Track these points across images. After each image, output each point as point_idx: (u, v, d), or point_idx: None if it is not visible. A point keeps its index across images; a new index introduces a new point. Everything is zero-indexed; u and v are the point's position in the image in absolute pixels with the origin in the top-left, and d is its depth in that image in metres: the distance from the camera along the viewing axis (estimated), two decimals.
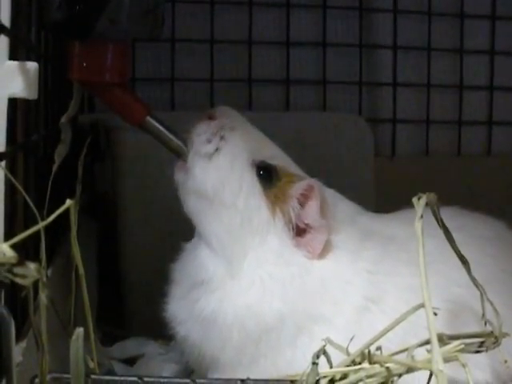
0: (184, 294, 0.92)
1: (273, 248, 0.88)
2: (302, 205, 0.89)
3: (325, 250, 0.88)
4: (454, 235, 0.93)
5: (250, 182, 0.89)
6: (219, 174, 0.89)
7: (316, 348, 0.71)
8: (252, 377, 0.82)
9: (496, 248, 0.95)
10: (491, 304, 0.78)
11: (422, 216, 0.70)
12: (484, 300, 0.78)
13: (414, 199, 0.72)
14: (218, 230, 0.89)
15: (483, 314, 0.78)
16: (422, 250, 0.68)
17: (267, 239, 0.88)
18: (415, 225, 0.69)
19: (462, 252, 0.91)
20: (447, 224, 0.95)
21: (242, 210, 0.88)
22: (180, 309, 0.92)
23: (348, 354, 0.71)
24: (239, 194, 0.88)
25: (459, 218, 0.97)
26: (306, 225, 0.88)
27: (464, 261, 0.79)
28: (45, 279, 0.52)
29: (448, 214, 0.98)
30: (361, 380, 0.66)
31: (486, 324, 0.77)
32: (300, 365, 0.75)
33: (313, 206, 0.88)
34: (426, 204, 0.74)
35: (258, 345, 0.87)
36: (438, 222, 0.77)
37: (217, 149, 0.90)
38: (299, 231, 0.89)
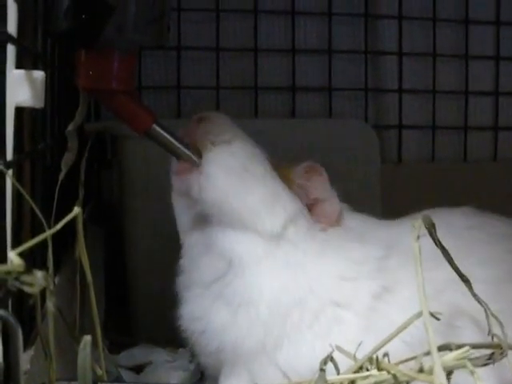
0: (200, 294, 0.93)
1: (302, 225, 0.91)
2: (307, 181, 0.92)
3: (337, 221, 0.92)
4: (474, 233, 0.94)
5: (267, 163, 0.93)
6: (246, 152, 0.91)
7: (335, 336, 0.71)
8: (276, 367, 0.86)
9: None
10: (497, 318, 0.78)
11: (418, 237, 0.70)
12: (488, 315, 0.78)
13: (413, 223, 0.72)
14: (252, 203, 0.90)
15: (489, 328, 0.78)
16: (419, 268, 0.69)
17: (296, 216, 0.91)
18: (412, 245, 0.70)
19: (482, 249, 0.92)
20: (466, 222, 0.96)
21: (270, 185, 0.91)
22: (196, 307, 0.93)
23: (355, 360, 0.71)
24: (265, 171, 0.92)
25: (476, 216, 0.98)
26: (315, 200, 0.92)
27: (465, 279, 0.79)
28: (52, 287, 0.52)
29: (464, 214, 0.99)
30: None
31: (492, 338, 0.77)
32: (321, 353, 0.76)
33: (320, 179, 0.92)
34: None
35: (285, 322, 0.88)
36: (434, 242, 0.76)
37: (232, 137, 0.92)
38: (309, 209, 0.92)
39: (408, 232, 0.72)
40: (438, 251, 0.77)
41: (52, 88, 0.96)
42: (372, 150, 1.42)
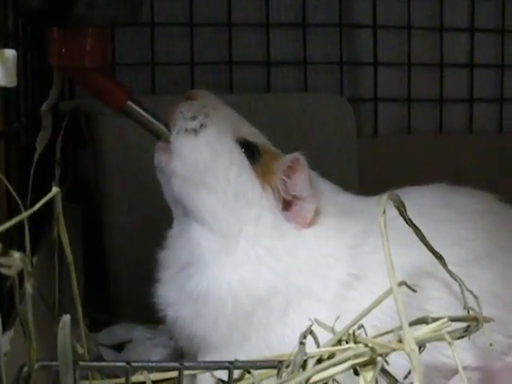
0: (173, 277, 0.93)
1: (267, 222, 0.89)
2: (288, 177, 0.90)
3: (310, 224, 0.90)
4: (444, 212, 0.94)
5: (238, 156, 0.91)
6: (209, 148, 0.89)
7: (304, 324, 0.72)
8: (245, 355, 0.84)
9: (488, 222, 0.95)
10: (471, 292, 0.80)
11: (384, 211, 0.71)
12: (463, 290, 0.79)
13: (378, 198, 0.73)
14: (212, 205, 0.89)
15: (464, 303, 0.79)
16: (386, 243, 0.70)
17: (261, 214, 0.89)
18: (378, 219, 0.70)
19: (453, 229, 0.92)
20: (436, 201, 0.96)
21: (234, 184, 0.89)
22: (170, 291, 0.93)
23: (334, 333, 0.71)
24: (231, 167, 0.89)
25: (448, 194, 0.98)
26: (293, 196, 0.90)
27: (439, 256, 0.80)
28: (30, 268, 0.52)
29: (437, 191, 0.99)
30: (348, 359, 0.66)
31: (468, 312, 0.78)
32: (290, 341, 0.76)
33: (301, 177, 0.90)
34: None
35: (251, 319, 0.88)
36: (405, 220, 0.77)
37: (202, 125, 0.90)
38: (286, 204, 0.91)
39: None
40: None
41: (25, 67, 0.95)
42: (348, 123, 1.42)
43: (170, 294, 0.93)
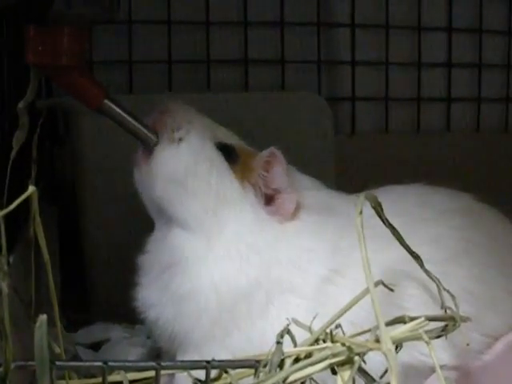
0: (154, 280, 0.94)
1: (248, 219, 0.91)
2: (267, 172, 0.92)
3: (292, 216, 0.92)
4: (421, 210, 0.95)
5: (218, 159, 0.93)
6: (192, 154, 0.91)
7: (284, 319, 0.72)
8: (226, 351, 0.86)
9: (464, 220, 0.96)
10: (448, 291, 0.80)
11: (361, 212, 0.71)
12: (441, 289, 0.80)
13: (356, 197, 0.73)
14: (194, 209, 0.90)
15: (442, 302, 0.79)
16: (363, 243, 0.70)
17: (242, 212, 0.91)
18: (355, 220, 0.71)
19: (430, 227, 0.93)
20: (413, 200, 0.97)
21: (215, 187, 0.91)
22: (151, 293, 0.94)
23: (311, 332, 0.72)
24: (211, 172, 0.91)
25: (425, 193, 0.99)
26: (274, 190, 0.92)
27: (415, 256, 0.80)
28: (6, 268, 0.52)
29: (414, 191, 0.99)
30: (325, 358, 0.66)
31: (445, 311, 0.79)
32: (271, 337, 0.77)
33: (279, 170, 0.91)
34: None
35: (233, 314, 0.89)
36: (382, 220, 0.77)
37: (186, 133, 0.92)
38: (268, 199, 0.92)
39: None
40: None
41: (1, 65, 0.94)
42: (325, 122, 1.42)
43: (151, 295, 0.94)
